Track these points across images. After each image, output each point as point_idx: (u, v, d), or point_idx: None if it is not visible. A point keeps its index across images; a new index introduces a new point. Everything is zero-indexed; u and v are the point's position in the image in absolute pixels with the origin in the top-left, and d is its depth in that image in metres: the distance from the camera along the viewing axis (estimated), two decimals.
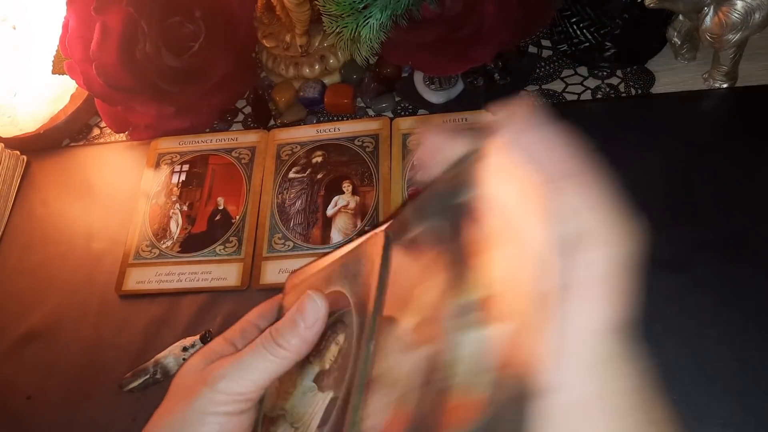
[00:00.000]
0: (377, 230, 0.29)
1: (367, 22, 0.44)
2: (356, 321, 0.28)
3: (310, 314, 0.30)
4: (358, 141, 0.54)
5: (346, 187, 0.52)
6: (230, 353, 0.32)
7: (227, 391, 0.30)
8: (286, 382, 0.31)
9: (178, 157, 0.56)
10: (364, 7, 0.44)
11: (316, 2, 0.46)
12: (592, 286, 0.19)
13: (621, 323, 0.19)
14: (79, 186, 0.58)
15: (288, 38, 0.59)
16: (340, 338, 0.30)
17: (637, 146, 0.50)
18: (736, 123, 0.50)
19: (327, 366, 0.30)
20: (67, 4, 0.51)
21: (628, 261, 0.19)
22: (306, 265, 0.35)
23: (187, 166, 0.56)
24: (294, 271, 0.37)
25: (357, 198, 0.51)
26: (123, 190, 0.56)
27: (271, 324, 0.31)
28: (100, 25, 0.50)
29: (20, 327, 0.50)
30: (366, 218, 0.50)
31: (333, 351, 0.30)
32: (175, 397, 0.32)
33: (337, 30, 0.45)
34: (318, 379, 0.30)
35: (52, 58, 0.55)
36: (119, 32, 0.50)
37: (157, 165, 0.56)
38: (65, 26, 0.52)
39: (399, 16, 0.45)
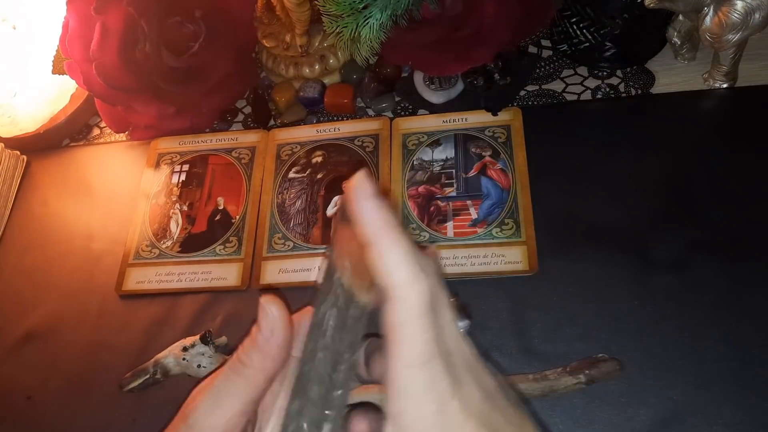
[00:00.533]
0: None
1: (367, 22, 0.44)
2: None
3: (265, 325, 0.27)
4: (358, 141, 0.54)
5: None
6: None
7: (203, 426, 0.27)
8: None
9: (178, 157, 0.56)
10: (364, 7, 0.44)
11: (316, 2, 0.46)
12: (394, 332, 0.23)
13: (426, 355, 0.23)
14: (79, 186, 0.58)
15: (288, 38, 0.59)
16: None
17: (637, 146, 0.50)
18: (735, 123, 0.50)
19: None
20: (67, 4, 0.51)
21: (419, 308, 0.23)
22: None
23: (187, 166, 0.56)
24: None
25: None
26: (123, 190, 0.56)
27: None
28: (100, 25, 0.50)
29: (20, 327, 0.50)
30: None
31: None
32: (179, 419, 0.29)
33: (337, 30, 0.45)
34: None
35: (52, 58, 0.55)
36: (119, 32, 0.50)
37: (157, 165, 0.56)
38: (65, 26, 0.52)
39: (399, 16, 0.45)
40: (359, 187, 0.24)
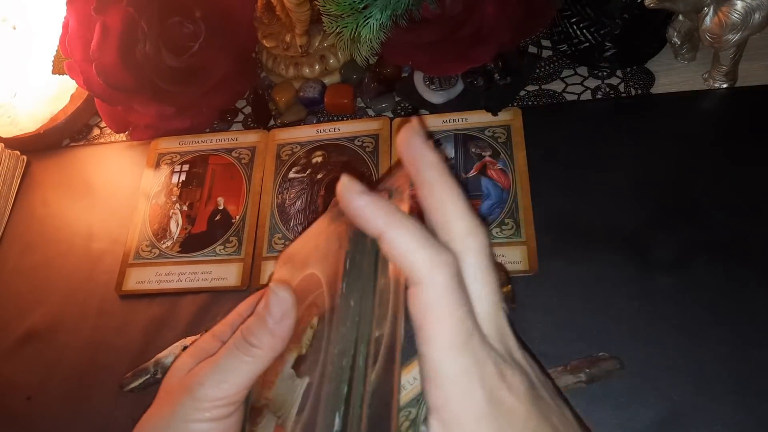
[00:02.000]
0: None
1: (367, 22, 0.44)
2: (327, 302, 0.28)
3: (276, 309, 0.29)
4: (358, 141, 0.54)
5: None
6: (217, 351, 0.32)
7: (208, 398, 0.29)
8: (270, 370, 0.31)
9: (178, 157, 0.56)
10: (364, 7, 0.44)
11: (316, 2, 0.46)
12: (424, 315, 0.22)
13: (463, 334, 0.22)
14: (79, 186, 0.58)
15: (288, 38, 0.59)
16: (314, 321, 0.29)
17: (637, 146, 0.50)
18: (735, 123, 0.50)
19: (304, 351, 0.29)
20: (67, 4, 0.51)
21: (445, 286, 0.22)
22: (292, 242, 0.34)
23: (187, 166, 0.56)
24: (282, 250, 0.36)
25: None
26: (123, 190, 0.56)
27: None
28: (100, 25, 0.50)
29: (20, 327, 0.50)
30: None
31: (308, 335, 0.29)
32: (162, 402, 0.31)
33: (337, 30, 0.45)
34: (296, 365, 0.30)
35: (52, 58, 0.55)
36: (119, 32, 0.50)
37: (157, 165, 0.56)
38: (65, 26, 0.52)
39: (399, 16, 0.45)
40: (347, 189, 0.24)
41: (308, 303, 0.29)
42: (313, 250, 0.30)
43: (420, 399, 0.39)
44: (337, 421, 0.24)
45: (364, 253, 0.26)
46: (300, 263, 0.31)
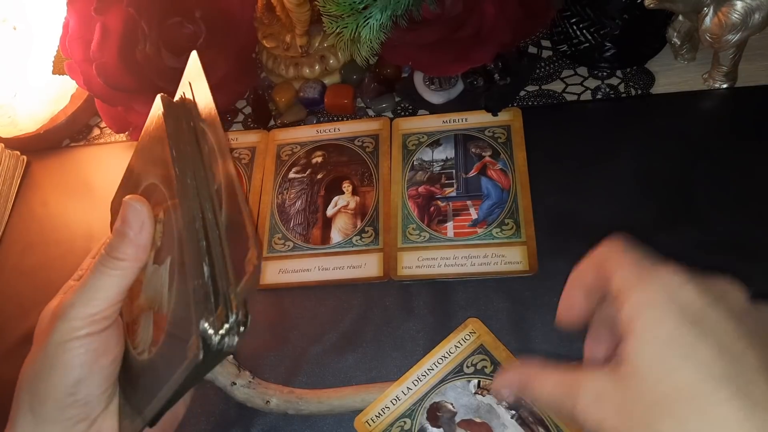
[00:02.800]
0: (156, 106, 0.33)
1: (367, 22, 0.44)
2: (167, 193, 0.31)
3: (134, 220, 0.31)
4: (358, 141, 0.54)
5: (346, 187, 0.52)
6: None
7: (80, 315, 0.30)
8: (135, 283, 0.32)
9: None
10: (364, 8, 0.44)
11: (316, 3, 0.46)
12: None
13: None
14: (80, 186, 0.58)
15: (288, 39, 0.59)
16: (161, 216, 0.31)
17: (636, 147, 0.50)
18: (736, 123, 0.50)
19: (159, 243, 0.31)
20: (68, 4, 0.51)
21: None
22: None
23: None
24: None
25: (357, 198, 0.51)
26: None
27: None
28: (100, 26, 0.50)
29: (20, 328, 0.50)
30: (366, 218, 0.50)
31: (158, 229, 0.31)
32: (36, 341, 0.32)
33: (337, 30, 0.45)
34: (155, 259, 0.32)
35: (53, 59, 0.55)
36: (119, 33, 0.50)
37: None
38: (65, 27, 0.52)
39: (399, 17, 0.45)
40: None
41: (152, 206, 0.32)
42: (138, 165, 0.35)
43: (415, 410, 0.39)
44: (206, 269, 0.27)
45: (180, 135, 0.31)
46: (135, 182, 0.35)
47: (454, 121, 0.53)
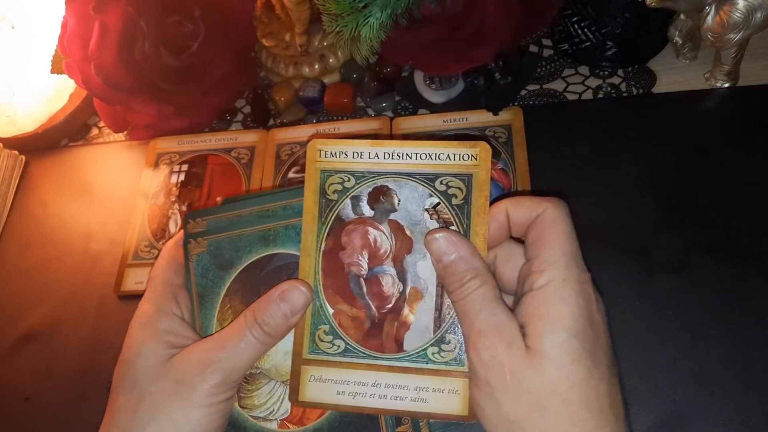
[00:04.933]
0: None
1: (367, 21, 0.44)
2: None
3: (297, 303, 0.32)
4: None
5: None
6: (184, 328, 0.34)
7: (224, 382, 0.31)
8: None
9: (177, 156, 0.56)
10: (364, 6, 0.44)
11: (315, 1, 0.46)
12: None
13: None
14: (78, 186, 0.58)
15: (287, 37, 0.58)
16: None
17: (637, 146, 0.50)
18: (737, 123, 0.50)
19: None
20: (66, 3, 0.51)
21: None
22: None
23: (186, 166, 0.56)
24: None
25: None
26: (122, 190, 0.56)
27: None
28: (99, 25, 0.50)
29: (19, 328, 0.50)
30: None
31: None
32: (162, 392, 0.31)
33: (337, 29, 0.45)
34: None
35: (51, 58, 0.55)
36: (118, 32, 0.50)
37: (156, 165, 0.56)
38: (64, 26, 0.52)
39: (399, 16, 0.45)
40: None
41: None
42: None
43: (365, 177, 0.35)
44: None
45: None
46: None
47: (455, 120, 0.53)
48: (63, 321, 0.50)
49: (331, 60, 0.58)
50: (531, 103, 0.54)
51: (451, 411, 0.32)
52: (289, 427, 0.35)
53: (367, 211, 0.34)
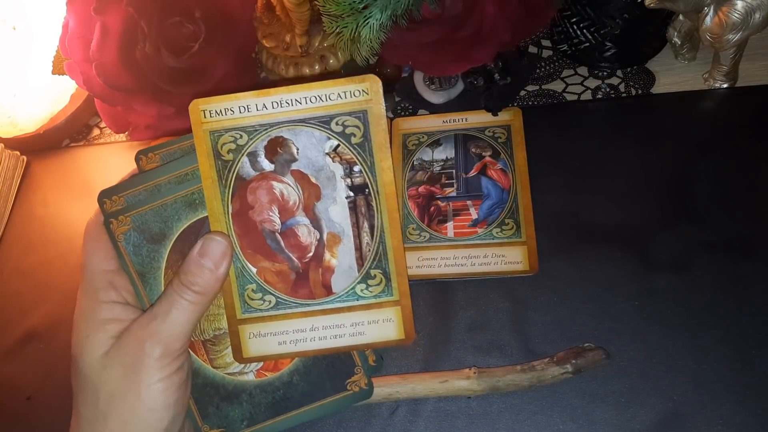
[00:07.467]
0: None
1: (367, 22, 0.44)
2: None
3: (216, 253, 0.32)
4: None
5: None
6: (127, 312, 0.32)
7: (166, 353, 0.30)
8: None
9: None
10: (364, 7, 0.44)
11: (316, 2, 0.46)
12: None
13: None
14: (79, 186, 0.58)
15: (288, 38, 0.58)
16: None
17: (637, 146, 0.50)
18: (736, 123, 0.50)
19: None
20: (67, 4, 0.51)
21: None
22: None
23: None
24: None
25: None
26: None
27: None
28: (100, 26, 0.50)
29: (20, 327, 0.50)
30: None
31: None
32: (113, 380, 0.31)
33: (337, 30, 0.45)
34: None
35: (52, 59, 0.55)
36: (119, 32, 0.50)
37: None
38: (65, 26, 0.52)
39: (399, 17, 0.45)
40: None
41: None
42: None
43: (258, 132, 0.34)
44: None
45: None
46: None
47: (454, 120, 0.53)
48: (65, 320, 0.50)
49: (331, 61, 0.58)
50: (530, 103, 0.54)
51: (389, 338, 0.35)
52: (266, 375, 0.35)
53: (267, 165, 0.34)
